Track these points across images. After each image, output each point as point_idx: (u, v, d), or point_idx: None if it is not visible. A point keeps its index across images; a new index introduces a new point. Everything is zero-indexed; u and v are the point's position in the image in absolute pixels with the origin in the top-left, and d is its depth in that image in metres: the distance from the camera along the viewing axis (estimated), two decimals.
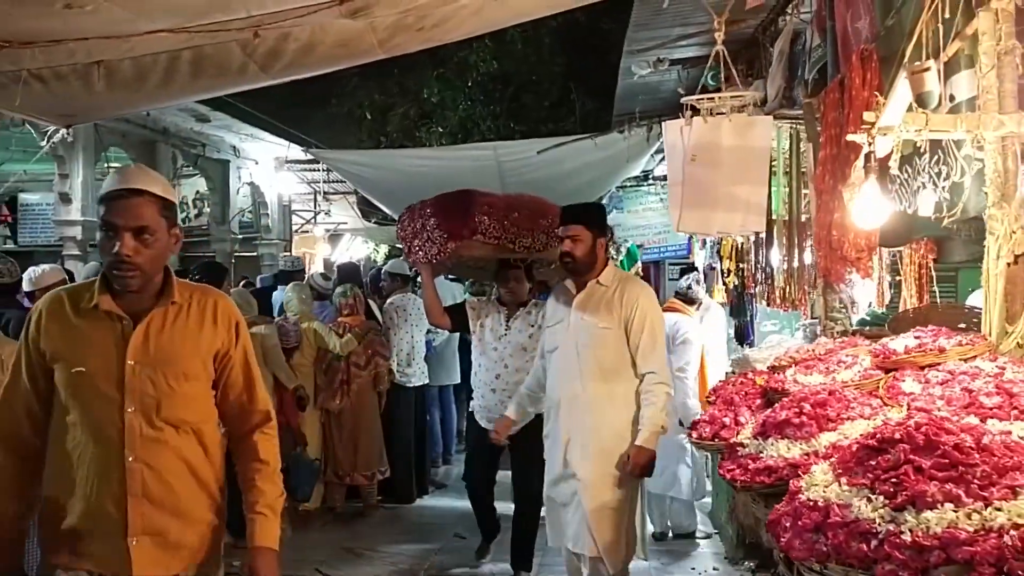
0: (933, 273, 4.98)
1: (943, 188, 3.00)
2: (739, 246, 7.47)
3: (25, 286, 5.51)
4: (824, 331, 5.36)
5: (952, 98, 3.15)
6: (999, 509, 1.85)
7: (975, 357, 2.82)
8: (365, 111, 18.14)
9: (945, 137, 2.97)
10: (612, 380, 3.98)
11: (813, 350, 3.82)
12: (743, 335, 8.19)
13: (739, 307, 8.31)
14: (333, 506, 7.11)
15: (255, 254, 15.14)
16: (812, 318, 6.10)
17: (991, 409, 2.40)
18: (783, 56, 6.16)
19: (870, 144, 2.85)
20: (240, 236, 15.14)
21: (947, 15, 3.07)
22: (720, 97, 4.90)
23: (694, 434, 3.53)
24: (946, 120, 2.84)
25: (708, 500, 6.75)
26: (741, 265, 7.56)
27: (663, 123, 5.18)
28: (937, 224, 2.97)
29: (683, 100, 4.90)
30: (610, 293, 4.04)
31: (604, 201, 11.96)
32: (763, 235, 6.38)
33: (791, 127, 6.08)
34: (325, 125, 17.27)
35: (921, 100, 2.64)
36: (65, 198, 10.57)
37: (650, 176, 11.77)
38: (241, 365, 2.60)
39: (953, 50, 3.09)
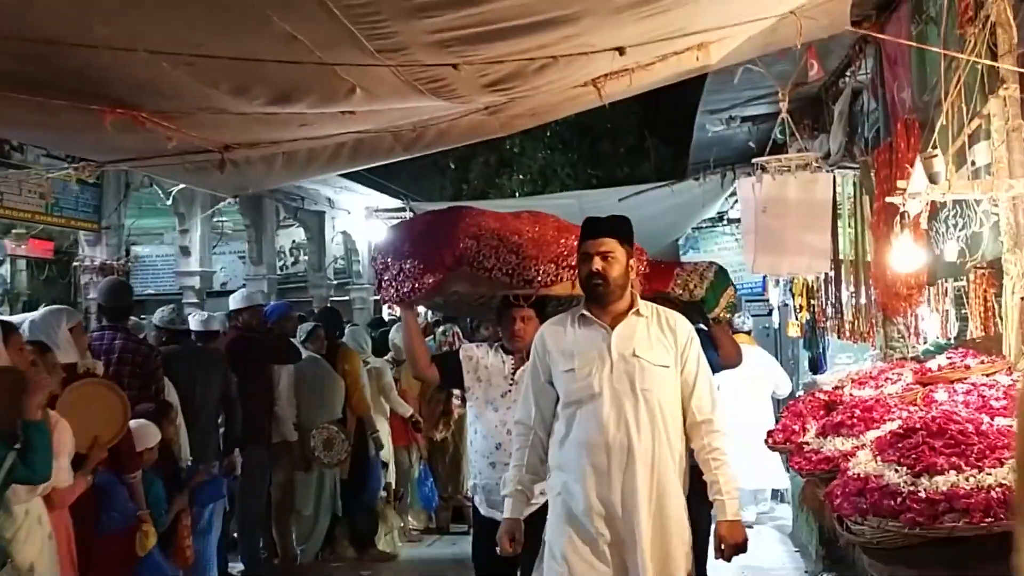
0: (996, 306, 5.59)
1: (962, 238, 3.73)
2: (810, 284, 8.17)
3: (195, 326, 6.36)
4: (885, 359, 6.01)
5: (974, 163, 3.89)
6: (989, 474, 2.59)
7: (995, 373, 3.52)
8: (449, 161, 19.15)
9: (965, 197, 3.71)
10: (671, 431, 3.25)
11: (869, 372, 4.53)
12: (816, 365, 8.85)
13: (812, 340, 8.99)
14: (440, 525, 7.95)
15: (347, 298, 16.21)
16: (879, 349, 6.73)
17: (998, 409, 3.11)
18: (843, 116, 6.92)
19: (903, 205, 3.60)
20: (335, 282, 16.26)
21: (968, 97, 3.84)
22: (787, 158, 5.71)
23: (769, 440, 4.26)
24: (965, 185, 3.58)
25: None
26: (812, 302, 8.25)
27: (737, 181, 6.02)
28: (960, 266, 3.69)
29: (754, 161, 5.71)
30: (653, 325, 3.32)
31: (680, 242, 12.66)
32: (832, 273, 7.10)
33: (855, 176, 6.80)
34: (412, 176, 18.31)
35: (931, 178, 3.39)
36: (185, 251, 11.55)
37: (724, 217, 12.23)
38: None
39: (974, 126, 3.84)
